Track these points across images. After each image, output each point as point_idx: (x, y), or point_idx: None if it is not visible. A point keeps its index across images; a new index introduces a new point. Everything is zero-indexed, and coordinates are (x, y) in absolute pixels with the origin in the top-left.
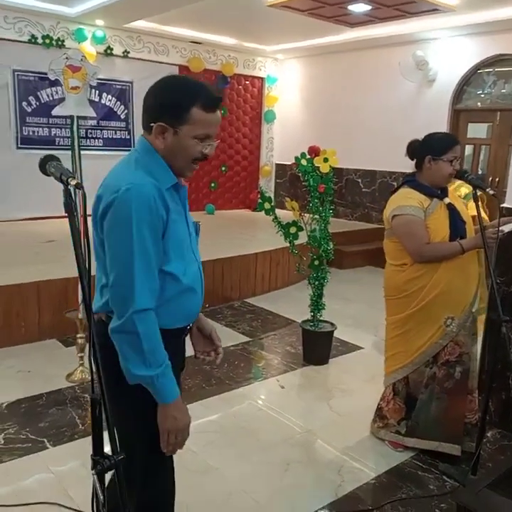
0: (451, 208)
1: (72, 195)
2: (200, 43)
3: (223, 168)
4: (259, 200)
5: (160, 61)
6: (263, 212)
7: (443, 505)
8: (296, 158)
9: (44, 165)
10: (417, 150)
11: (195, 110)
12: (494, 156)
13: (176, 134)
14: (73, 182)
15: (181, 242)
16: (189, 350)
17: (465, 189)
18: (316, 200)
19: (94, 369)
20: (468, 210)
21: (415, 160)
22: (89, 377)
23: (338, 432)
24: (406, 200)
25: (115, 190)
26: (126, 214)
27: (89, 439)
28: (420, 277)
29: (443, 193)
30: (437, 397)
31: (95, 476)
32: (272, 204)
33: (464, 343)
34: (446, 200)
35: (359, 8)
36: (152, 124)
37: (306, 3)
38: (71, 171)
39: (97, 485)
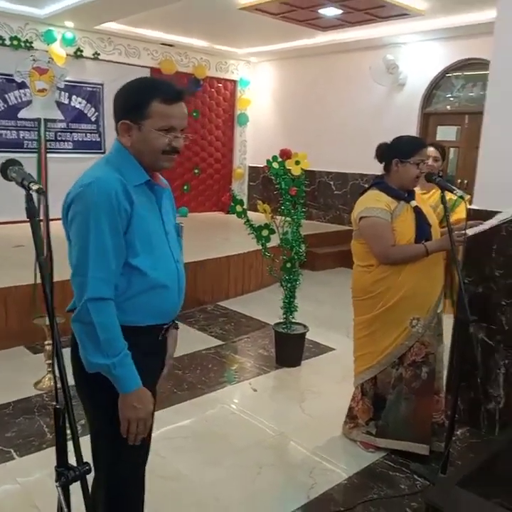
0: (417, 211)
1: (34, 200)
2: (171, 46)
3: (196, 171)
4: (231, 203)
5: (131, 63)
6: (232, 213)
7: (414, 504)
8: (268, 161)
9: (5, 170)
10: (385, 153)
11: (154, 104)
12: (463, 158)
13: (140, 130)
14: (35, 187)
15: (149, 237)
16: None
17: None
18: (288, 203)
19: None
20: (456, 214)
21: (384, 163)
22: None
23: (310, 433)
24: (373, 202)
25: (80, 185)
26: (86, 206)
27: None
28: (386, 278)
29: (410, 196)
30: (405, 397)
31: (59, 489)
32: (244, 207)
33: (430, 343)
34: (413, 203)
35: (330, 12)
36: (118, 124)
37: (278, 6)
38: (35, 175)
39: (62, 497)
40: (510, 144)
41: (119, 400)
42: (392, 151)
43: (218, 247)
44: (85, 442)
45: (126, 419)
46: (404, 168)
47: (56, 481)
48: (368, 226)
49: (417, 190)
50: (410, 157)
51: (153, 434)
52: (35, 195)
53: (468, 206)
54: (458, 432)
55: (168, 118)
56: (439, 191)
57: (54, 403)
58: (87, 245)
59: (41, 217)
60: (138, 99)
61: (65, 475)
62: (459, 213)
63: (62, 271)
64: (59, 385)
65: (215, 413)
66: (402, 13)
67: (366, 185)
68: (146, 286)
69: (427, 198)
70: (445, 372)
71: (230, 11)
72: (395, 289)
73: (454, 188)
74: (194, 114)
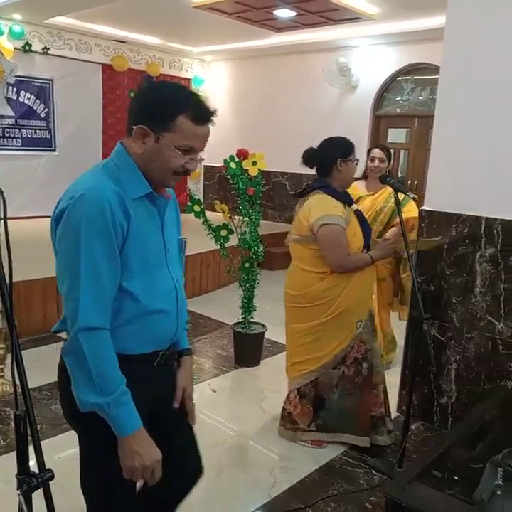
0: (359, 215)
1: None
2: (124, 42)
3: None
4: (189, 203)
5: (82, 59)
6: (192, 214)
7: (372, 498)
8: (225, 161)
9: None
10: (324, 156)
11: (182, 119)
12: (413, 160)
13: (157, 141)
14: None
15: (147, 257)
16: None
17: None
18: (245, 203)
19: (18, 382)
20: (404, 214)
21: (317, 167)
22: (11, 390)
23: (269, 432)
24: (332, 208)
25: (71, 196)
26: (76, 221)
27: (13, 454)
28: (339, 285)
29: (351, 199)
30: (349, 393)
31: (21, 496)
32: (202, 207)
33: (368, 340)
34: (354, 206)
35: (285, 14)
36: (134, 127)
37: (233, 6)
38: None
39: (24, 506)
40: (459, 147)
41: (118, 445)
42: (333, 153)
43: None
44: (47, 447)
45: (129, 468)
46: (347, 168)
47: (18, 489)
48: (327, 234)
49: (363, 191)
50: (350, 155)
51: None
52: None
53: (420, 207)
54: (412, 427)
55: (192, 138)
56: (386, 193)
57: (7, 409)
58: (78, 267)
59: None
60: (166, 108)
61: (27, 482)
62: (407, 213)
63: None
64: (18, 390)
65: None
66: (355, 17)
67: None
68: (140, 312)
69: (374, 199)
70: (399, 369)
71: (185, 9)
72: (346, 295)
73: (407, 189)
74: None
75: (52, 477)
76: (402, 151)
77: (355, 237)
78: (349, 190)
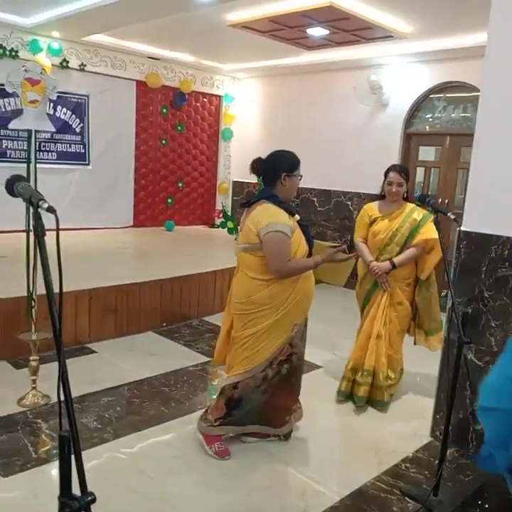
0: (302, 225)
1: (41, 217)
2: (158, 59)
3: (180, 184)
4: (222, 219)
5: (117, 75)
6: (222, 229)
7: None
8: (259, 177)
9: (11, 185)
10: (269, 168)
11: None
12: (444, 178)
13: None
14: (45, 205)
15: None
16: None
17: (418, 213)
18: None
19: (63, 402)
20: (423, 235)
21: (263, 177)
22: (42, 402)
23: (299, 454)
24: (277, 217)
25: None
26: None
27: (43, 468)
28: (286, 290)
29: (293, 209)
30: (264, 391)
31: None
32: (235, 222)
33: (297, 344)
34: (297, 217)
35: (318, 32)
36: None
37: (267, 24)
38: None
39: None
40: (499, 167)
41: None
42: (278, 166)
43: (203, 262)
44: (88, 469)
45: None
46: (290, 182)
47: (59, 511)
48: (272, 242)
49: (380, 212)
50: (295, 170)
51: (142, 453)
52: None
53: (460, 228)
54: (447, 453)
55: None
56: (404, 213)
57: (39, 420)
58: None
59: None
60: None
61: (69, 505)
62: (425, 234)
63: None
64: (63, 410)
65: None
66: (387, 36)
67: (349, 203)
68: None
69: (391, 220)
70: (434, 392)
71: (219, 28)
72: (291, 300)
73: (447, 210)
74: (179, 127)
75: (94, 500)
76: (432, 169)
77: (300, 245)
78: (368, 211)
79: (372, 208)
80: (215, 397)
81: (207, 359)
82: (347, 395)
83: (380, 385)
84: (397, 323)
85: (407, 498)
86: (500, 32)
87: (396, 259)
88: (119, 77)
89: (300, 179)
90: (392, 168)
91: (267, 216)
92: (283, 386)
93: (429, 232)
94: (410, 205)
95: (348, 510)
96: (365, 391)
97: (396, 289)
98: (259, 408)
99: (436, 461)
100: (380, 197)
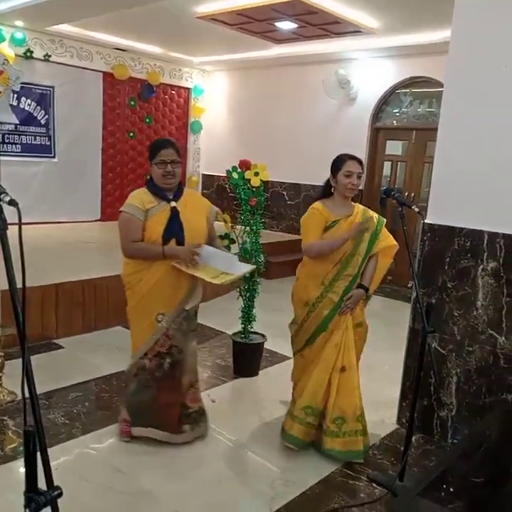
0: (173, 212)
1: (2, 211)
2: (125, 51)
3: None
4: None
5: (83, 66)
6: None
7: None
8: (228, 171)
9: None
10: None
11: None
12: (410, 172)
13: None
14: (6, 198)
15: None
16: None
17: (372, 213)
18: (247, 213)
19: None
20: (385, 241)
21: None
22: (8, 399)
23: (270, 443)
24: (131, 198)
25: None
26: None
27: (10, 465)
28: (139, 271)
29: (176, 196)
30: (146, 385)
31: None
32: None
33: (175, 336)
34: (172, 203)
35: (286, 26)
36: None
37: (235, 17)
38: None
39: None
40: (461, 161)
41: None
42: (149, 155)
43: None
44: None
45: None
46: (153, 169)
47: (25, 507)
48: (119, 221)
49: (334, 214)
50: (153, 159)
51: (112, 448)
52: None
53: (424, 221)
54: (412, 439)
55: None
56: (359, 214)
57: (5, 418)
58: None
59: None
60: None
61: (35, 500)
62: (387, 240)
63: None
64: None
65: None
66: (356, 30)
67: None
68: None
69: (350, 224)
70: (400, 381)
71: (187, 20)
72: (146, 284)
73: (411, 203)
74: (147, 120)
75: (60, 494)
76: (399, 163)
77: (154, 230)
78: (323, 213)
79: (325, 210)
80: None
81: None
82: (303, 444)
83: (354, 430)
84: (358, 348)
85: (374, 484)
86: (462, 28)
87: (368, 283)
88: (85, 68)
89: (158, 168)
90: (347, 156)
91: (128, 198)
92: (168, 382)
93: (389, 237)
94: (358, 204)
95: (317, 498)
96: (346, 443)
97: (357, 310)
98: (149, 407)
99: (402, 448)
100: (325, 195)
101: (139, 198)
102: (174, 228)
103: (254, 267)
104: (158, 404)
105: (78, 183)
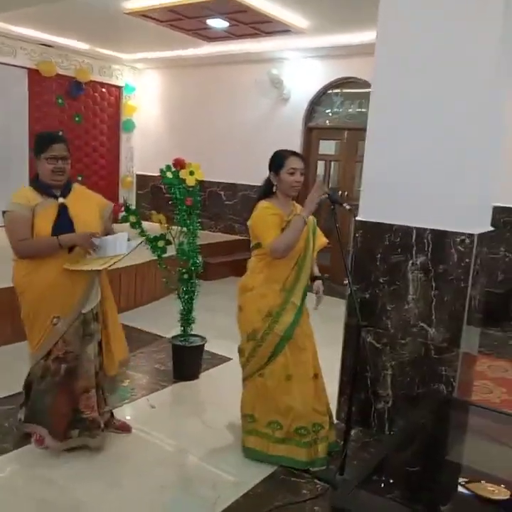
0: (61, 208)
1: None
2: (51, 47)
3: (79, 178)
4: (124, 213)
5: (5, 63)
6: (125, 223)
7: (317, 507)
8: (161, 170)
9: None
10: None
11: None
12: (343, 171)
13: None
14: None
15: None
16: None
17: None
18: (183, 213)
19: None
20: (322, 238)
21: None
22: None
23: (211, 446)
24: (15, 197)
25: None
26: None
27: None
28: (29, 273)
29: (63, 192)
30: (50, 388)
31: None
32: (138, 217)
33: (71, 341)
34: (60, 199)
35: (217, 24)
36: None
37: (165, 14)
38: None
39: None
40: (389, 160)
41: None
42: (35, 148)
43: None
44: None
45: None
46: (40, 164)
47: None
48: (6, 221)
49: (289, 212)
50: (42, 153)
51: (46, 462)
52: None
53: (355, 218)
54: (351, 433)
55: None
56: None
57: None
58: None
59: None
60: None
61: None
62: (322, 237)
63: None
64: None
65: (113, 434)
66: (285, 30)
67: (256, 196)
68: None
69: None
70: (338, 375)
71: (116, 15)
72: (37, 284)
73: (343, 201)
74: (76, 118)
75: None
76: (332, 163)
77: (43, 226)
78: (276, 211)
79: (278, 209)
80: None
81: None
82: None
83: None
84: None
85: (316, 480)
86: (387, 30)
87: (318, 272)
88: (8, 65)
89: (52, 159)
90: (288, 152)
91: (11, 197)
92: (63, 389)
93: (322, 235)
94: (295, 203)
95: (260, 497)
96: (326, 446)
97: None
98: (48, 409)
99: (342, 442)
100: (267, 194)
101: (24, 195)
102: (64, 224)
103: (141, 240)
104: (53, 410)
105: (4, 185)
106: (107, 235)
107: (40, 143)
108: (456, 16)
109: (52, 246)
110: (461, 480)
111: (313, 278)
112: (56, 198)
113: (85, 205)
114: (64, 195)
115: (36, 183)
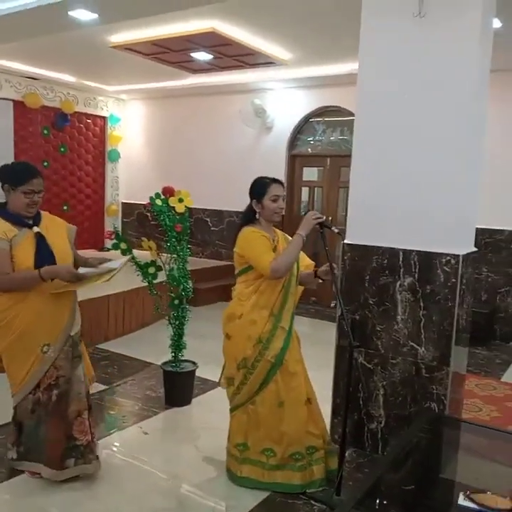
0: (38, 238)
1: None
2: (36, 79)
3: (65, 208)
4: (114, 241)
5: None
6: (115, 251)
7: None
8: (151, 198)
9: None
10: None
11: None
12: (327, 197)
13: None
14: None
15: None
16: None
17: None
18: (173, 240)
19: None
20: (306, 260)
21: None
22: None
23: (205, 473)
24: None
25: None
26: None
27: None
28: (14, 305)
29: (35, 221)
30: (42, 420)
31: None
32: (128, 244)
33: (62, 366)
34: (35, 229)
35: (202, 57)
36: None
37: (150, 47)
38: None
39: None
40: (374, 183)
41: None
42: (2, 178)
43: (95, 287)
44: None
45: None
46: (14, 196)
47: None
48: None
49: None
50: (19, 186)
51: (37, 491)
52: None
53: (343, 241)
54: (346, 454)
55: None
56: (283, 236)
57: None
58: None
59: None
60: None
61: None
62: (304, 260)
63: None
64: None
65: (106, 461)
66: (268, 62)
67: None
68: None
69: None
70: (330, 398)
71: (101, 48)
72: (24, 316)
73: (332, 225)
74: (62, 149)
75: None
76: (316, 189)
77: (24, 258)
78: (267, 237)
79: (263, 232)
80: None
81: (104, 387)
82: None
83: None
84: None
85: (312, 501)
86: (368, 62)
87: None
88: None
89: (32, 194)
90: (270, 179)
91: None
92: (56, 415)
93: (305, 257)
94: (276, 229)
95: None
96: (322, 468)
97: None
98: (42, 442)
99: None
100: (249, 220)
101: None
102: (45, 255)
103: (130, 256)
104: (48, 439)
105: None
106: (81, 261)
107: (19, 175)
108: (434, 50)
109: (34, 280)
110: (467, 492)
111: (315, 273)
112: (29, 226)
113: (57, 233)
114: (36, 223)
115: (5, 213)
